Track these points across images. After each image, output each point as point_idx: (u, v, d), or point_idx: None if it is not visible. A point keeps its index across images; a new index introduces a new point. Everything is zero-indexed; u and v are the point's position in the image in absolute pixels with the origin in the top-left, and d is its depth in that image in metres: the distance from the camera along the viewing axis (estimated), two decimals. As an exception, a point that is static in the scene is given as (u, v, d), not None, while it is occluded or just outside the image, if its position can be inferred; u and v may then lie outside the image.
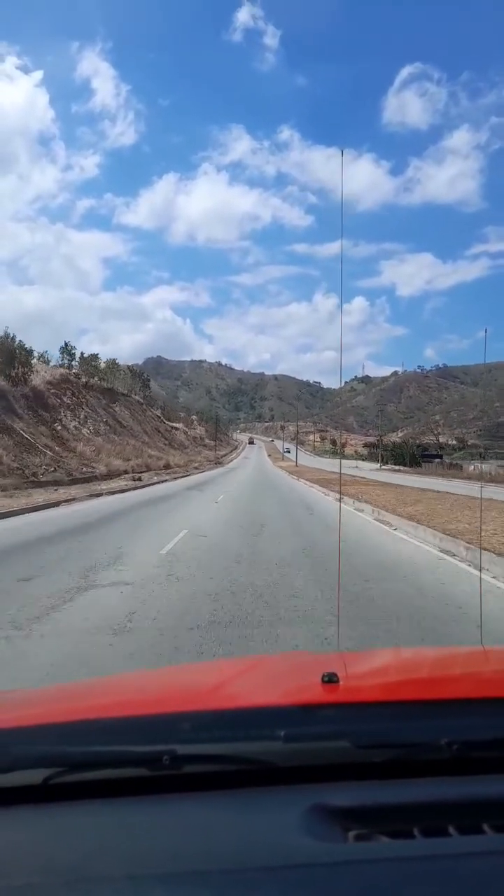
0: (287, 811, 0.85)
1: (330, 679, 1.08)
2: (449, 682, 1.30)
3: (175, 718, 1.02)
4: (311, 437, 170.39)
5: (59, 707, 1.26)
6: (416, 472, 62.34)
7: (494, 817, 0.85)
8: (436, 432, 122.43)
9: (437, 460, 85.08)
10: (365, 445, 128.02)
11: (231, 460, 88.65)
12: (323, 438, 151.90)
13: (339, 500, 18.63)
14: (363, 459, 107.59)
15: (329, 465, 71.96)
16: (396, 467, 72.88)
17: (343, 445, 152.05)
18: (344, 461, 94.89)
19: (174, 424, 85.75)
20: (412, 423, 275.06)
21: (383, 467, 71.85)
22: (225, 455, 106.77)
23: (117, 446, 39.28)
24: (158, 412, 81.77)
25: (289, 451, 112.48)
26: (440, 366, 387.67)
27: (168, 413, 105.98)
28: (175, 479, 32.48)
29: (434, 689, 1.20)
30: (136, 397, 68.62)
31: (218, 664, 2.58)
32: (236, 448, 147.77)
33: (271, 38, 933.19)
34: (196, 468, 50.01)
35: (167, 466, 43.74)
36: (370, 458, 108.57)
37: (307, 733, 0.97)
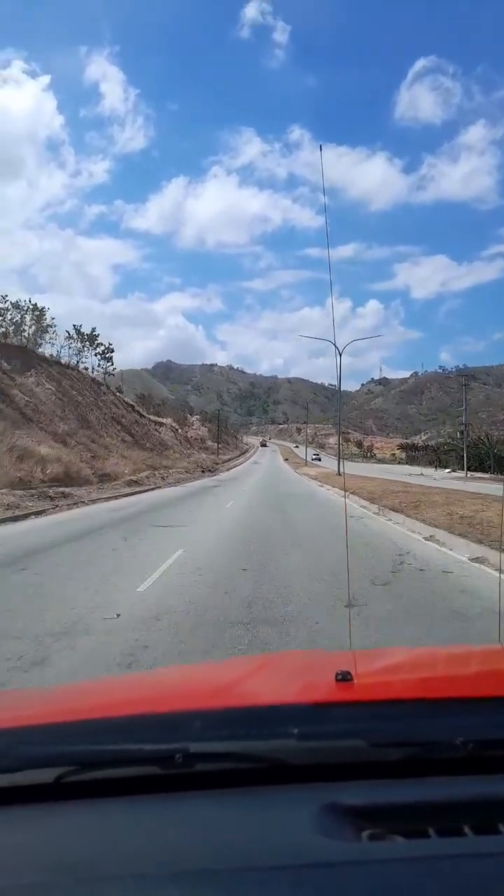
0: (300, 810, 0.83)
1: (344, 677, 1.05)
2: (464, 680, 1.25)
3: (187, 716, 0.99)
4: (336, 440, 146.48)
5: (71, 705, 1.23)
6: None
7: None
8: (484, 433, 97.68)
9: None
10: (400, 447, 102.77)
11: (234, 466, 64.02)
12: (347, 440, 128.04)
13: None
14: (404, 463, 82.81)
15: (382, 472, 47.38)
16: (480, 475, 47.81)
17: (370, 448, 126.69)
18: (391, 466, 69.65)
19: (159, 419, 61.32)
20: (436, 425, 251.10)
21: (469, 475, 46.62)
22: (229, 460, 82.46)
23: None
24: (131, 400, 57.82)
25: (318, 457, 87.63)
26: (460, 367, 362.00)
27: (158, 408, 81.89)
28: None
29: (449, 687, 1.16)
30: (87, 372, 45.05)
31: (230, 662, 2.44)
32: (245, 452, 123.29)
33: (281, 34, 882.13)
34: (137, 484, 25.00)
35: (62, 479, 19.12)
36: (416, 462, 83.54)
37: (321, 731, 0.95)
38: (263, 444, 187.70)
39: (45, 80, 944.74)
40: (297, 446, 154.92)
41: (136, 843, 0.80)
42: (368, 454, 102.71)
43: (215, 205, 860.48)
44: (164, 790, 0.90)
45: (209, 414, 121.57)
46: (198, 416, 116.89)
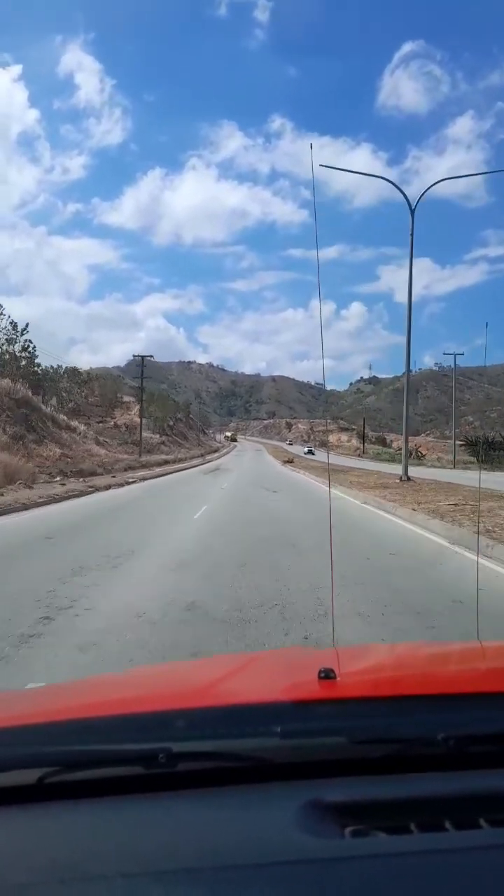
0: (283, 807, 0.82)
1: (326, 675, 1.03)
2: (445, 677, 1.25)
3: (170, 716, 0.97)
4: (337, 436, 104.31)
5: (54, 706, 1.20)
6: None
7: (491, 812, 0.81)
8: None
9: None
10: (468, 443, 60.32)
11: (132, 482, 19.92)
12: (362, 438, 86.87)
13: None
14: (472, 467, 40.76)
15: None
16: None
17: (417, 449, 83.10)
18: None
19: None
20: (437, 425, 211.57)
21: None
22: (163, 463, 38.82)
23: None
24: None
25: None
26: (453, 366, 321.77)
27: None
28: None
29: (430, 684, 1.16)
30: None
31: (213, 660, 2.38)
32: (213, 452, 79.69)
33: (262, 13, 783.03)
34: None
35: None
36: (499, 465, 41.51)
37: (304, 729, 0.93)
38: (233, 440, 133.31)
39: (17, 69, 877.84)
40: (309, 450, 76.73)
41: (120, 844, 0.79)
42: (417, 455, 59.96)
43: (196, 201, 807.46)
44: (147, 790, 0.88)
45: (154, 395, 77.89)
46: (132, 398, 73.48)
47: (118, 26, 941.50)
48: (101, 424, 57.43)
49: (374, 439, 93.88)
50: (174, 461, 42.79)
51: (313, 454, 70.30)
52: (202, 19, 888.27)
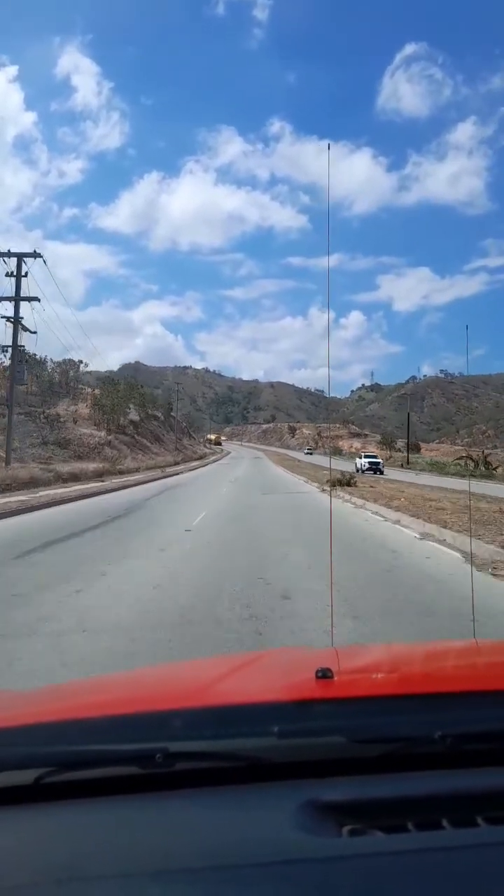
0: (281, 807, 0.81)
1: (324, 674, 1.02)
2: (442, 676, 1.24)
3: (167, 716, 0.96)
4: (351, 443, 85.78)
5: (51, 706, 1.18)
6: None
7: (488, 810, 0.81)
8: None
9: None
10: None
11: None
12: (389, 444, 68.97)
13: None
14: None
15: None
16: None
17: (484, 458, 62.12)
18: None
19: None
20: (448, 435, 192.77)
21: None
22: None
23: None
24: None
25: None
26: (460, 373, 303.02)
27: None
28: None
29: (427, 683, 1.15)
30: None
31: (211, 661, 2.41)
32: (201, 458, 60.09)
33: (261, 12, 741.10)
34: None
35: None
36: None
37: (301, 729, 0.92)
38: (216, 443, 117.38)
39: (14, 70, 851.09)
40: (373, 465, 39.66)
41: (117, 844, 0.78)
42: (483, 467, 40.60)
43: (194, 206, 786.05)
44: (145, 790, 0.87)
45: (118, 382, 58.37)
46: (97, 384, 54.24)
47: (116, 28, 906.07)
48: (22, 416, 38.31)
49: (400, 447, 74.69)
50: (87, 477, 23.04)
51: (382, 472, 38.57)
52: (201, 19, 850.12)
